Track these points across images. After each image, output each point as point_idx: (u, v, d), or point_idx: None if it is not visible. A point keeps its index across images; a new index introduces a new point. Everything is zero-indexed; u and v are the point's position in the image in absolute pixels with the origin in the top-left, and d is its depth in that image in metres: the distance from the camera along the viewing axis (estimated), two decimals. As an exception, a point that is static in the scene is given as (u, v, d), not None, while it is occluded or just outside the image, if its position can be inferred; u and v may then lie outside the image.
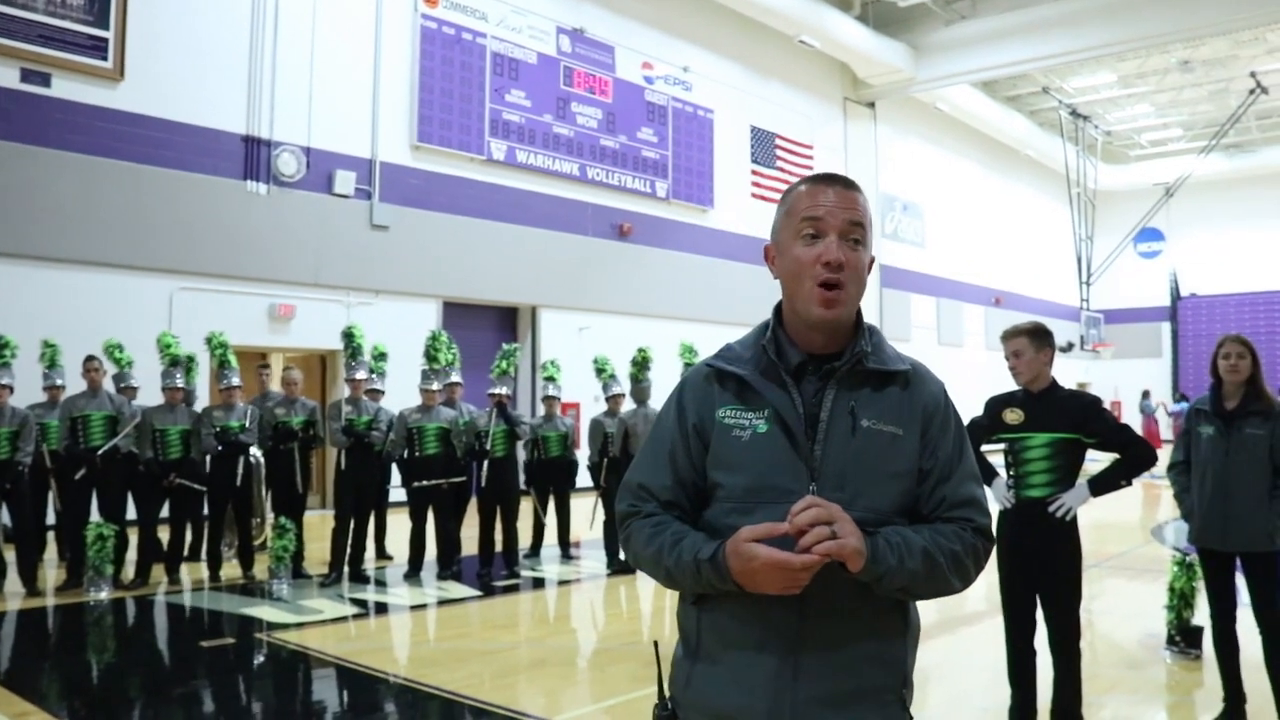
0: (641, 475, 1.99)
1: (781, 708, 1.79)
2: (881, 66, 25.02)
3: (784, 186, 22.77)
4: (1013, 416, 4.68)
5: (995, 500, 4.85)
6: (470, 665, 6.61)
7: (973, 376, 22.18)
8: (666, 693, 1.97)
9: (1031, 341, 4.62)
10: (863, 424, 1.83)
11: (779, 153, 23.61)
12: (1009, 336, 4.73)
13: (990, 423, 4.80)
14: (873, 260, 1.94)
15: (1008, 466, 4.76)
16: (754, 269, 21.66)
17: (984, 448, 4.82)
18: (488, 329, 17.50)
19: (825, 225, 1.85)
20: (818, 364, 1.89)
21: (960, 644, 7.43)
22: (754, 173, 22.87)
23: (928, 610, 8.54)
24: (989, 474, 4.99)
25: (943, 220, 29.81)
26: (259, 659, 6.90)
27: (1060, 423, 4.56)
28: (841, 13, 23.49)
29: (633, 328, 17.63)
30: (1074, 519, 4.58)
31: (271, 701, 6.03)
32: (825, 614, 1.80)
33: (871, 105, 26.67)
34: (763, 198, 22.82)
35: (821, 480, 1.81)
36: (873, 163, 26.58)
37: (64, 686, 6.33)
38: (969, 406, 5.13)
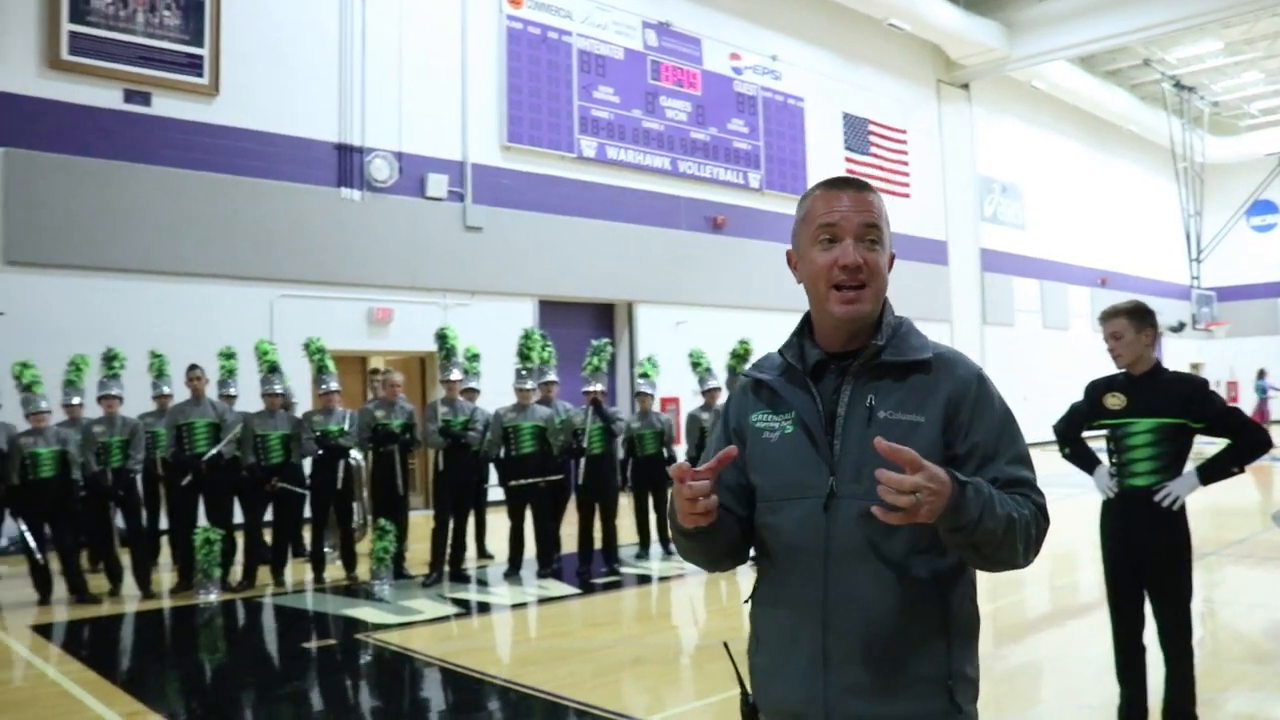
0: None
1: (815, 696, 1.86)
2: (974, 46, 24.50)
3: (880, 173, 22.58)
4: (1114, 401, 4.47)
5: (1098, 490, 4.65)
6: (570, 664, 6.58)
7: (1079, 360, 21.66)
8: (748, 689, 2.05)
9: (1131, 322, 4.41)
10: (880, 415, 1.87)
11: (873, 139, 23.26)
12: (1107, 317, 4.52)
13: (1090, 408, 4.60)
14: (893, 257, 1.98)
15: (1110, 454, 4.56)
16: (850, 257, 21.39)
17: (1085, 434, 4.61)
18: (584, 326, 17.48)
19: (841, 230, 1.91)
20: (838, 362, 1.96)
21: (1069, 637, 7.20)
22: (848, 160, 22.54)
23: (1037, 602, 8.36)
24: (1090, 462, 4.78)
25: (1043, 201, 29.04)
26: (363, 660, 6.95)
27: (1165, 407, 4.33)
28: (933, -8, 23.06)
29: (730, 320, 17.47)
30: (1182, 508, 4.35)
31: (374, 702, 6.08)
32: (850, 602, 1.84)
33: (966, 86, 26.13)
34: (857, 184, 22.50)
35: (840, 473, 1.88)
36: (969, 145, 26.08)
37: (173, 686, 6.45)
38: (1076, 391, 4.94)
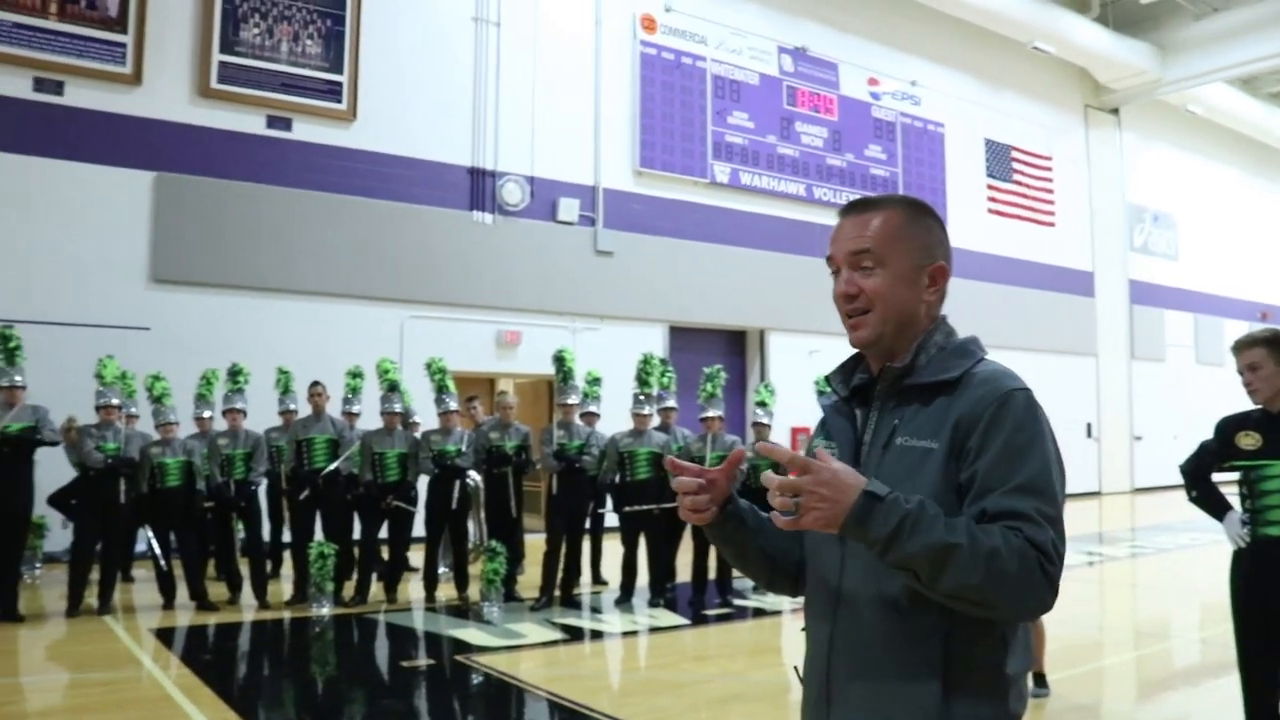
0: None
1: None
2: (1124, 69, 23.59)
3: (1024, 201, 22.02)
4: (1248, 441, 4.09)
5: (1227, 539, 4.30)
6: (662, 697, 6.44)
7: (1237, 397, 20.64)
8: None
9: (1271, 353, 4.02)
10: (897, 442, 1.80)
11: (1016, 165, 22.64)
12: (1242, 347, 4.11)
13: (1221, 448, 4.23)
14: (939, 270, 1.89)
15: (1243, 499, 4.18)
16: (993, 287, 20.90)
17: (1216, 477, 4.27)
18: (715, 353, 17.34)
19: (837, 260, 1.92)
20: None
21: (1200, 699, 6.74)
22: (990, 187, 22.00)
23: (1185, 653, 7.90)
24: (1219, 507, 4.41)
25: (1198, 230, 27.63)
26: (451, 681, 6.94)
27: None
28: (1078, 15, 22.34)
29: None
30: None
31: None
32: (852, 644, 1.80)
33: (1115, 111, 25.19)
34: (1000, 213, 21.96)
35: None
36: (1118, 172, 25.13)
37: (267, 697, 6.55)
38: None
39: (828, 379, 2.02)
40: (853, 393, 1.95)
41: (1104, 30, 22.79)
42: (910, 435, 1.77)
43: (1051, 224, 23.11)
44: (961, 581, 1.57)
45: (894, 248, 1.86)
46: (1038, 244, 22.72)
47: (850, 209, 1.93)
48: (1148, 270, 25.82)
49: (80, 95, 12.38)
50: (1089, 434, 23.46)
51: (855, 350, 1.96)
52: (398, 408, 9.71)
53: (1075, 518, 17.63)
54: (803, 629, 1.99)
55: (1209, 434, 4.44)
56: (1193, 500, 4.64)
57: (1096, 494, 23.18)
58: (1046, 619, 6.15)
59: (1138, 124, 25.82)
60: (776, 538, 1.98)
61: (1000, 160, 22.32)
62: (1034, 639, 6.01)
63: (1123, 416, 24.45)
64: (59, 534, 10.57)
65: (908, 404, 1.81)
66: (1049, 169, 23.29)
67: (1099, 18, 23.00)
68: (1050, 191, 23.26)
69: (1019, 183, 22.60)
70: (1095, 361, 23.86)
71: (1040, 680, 6.10)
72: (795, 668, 2.02)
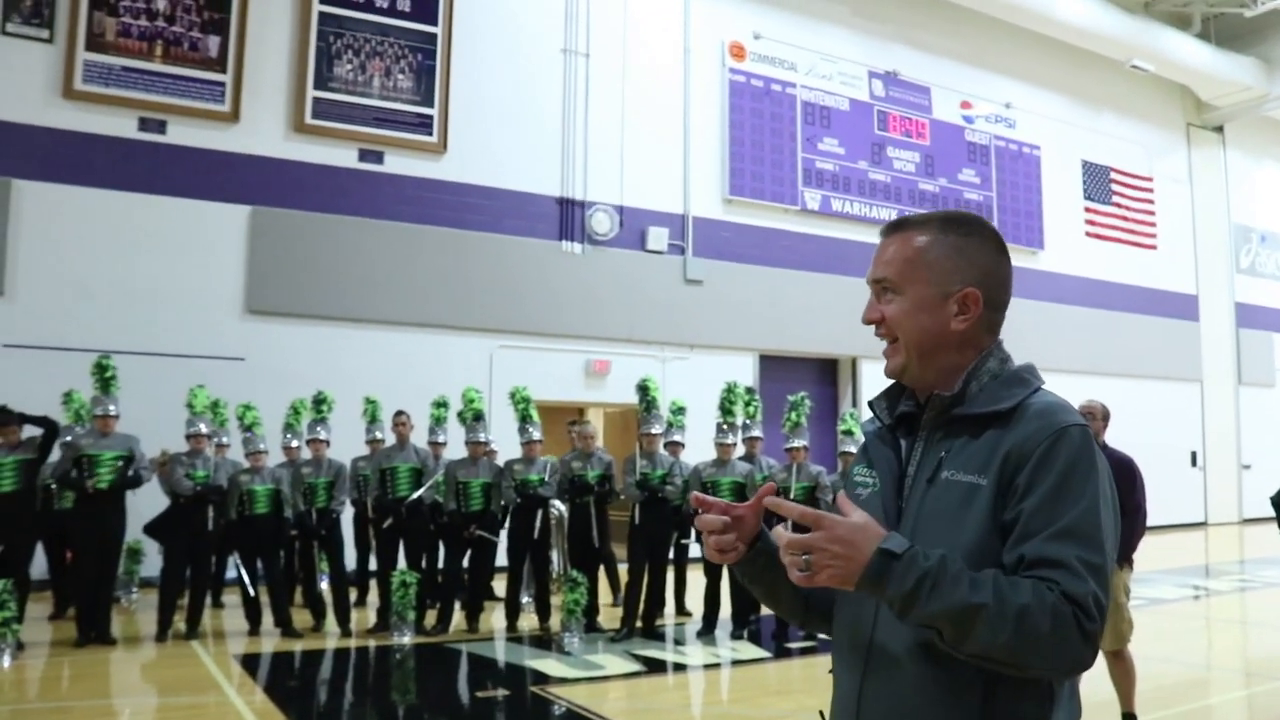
0: None
1: None
2: (1228, 85, 22.83)
3: (1124, 224, 21.46)
4: None
5: None
6: (737, 731, 6.32)
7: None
8: None
9: None
10: (943, 475, 1.69)
11: (1115, 187, 22.10)
12: None
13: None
14: (967, 295, 1.75)
15: None
16: (1092, 313, 20.43)
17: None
18: (807, 382, 17.15)
19: (870, 287, 1.86)
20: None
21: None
22: (1088, 210, 21.49)
23: (1277, 699, 7.56)
24: None
25: (1310, 250, 26.80)
26: (528, 713, 6.92)
27: None
28: (1178, 31, 21.74)
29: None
30: None
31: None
32: (885, 695, 1.69)
33: (1219, 129, 24.40)
34: (1099, 236, 21.45)
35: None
36: (1223, 191, 24.33)
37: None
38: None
39: (872, 404, 1.91)
40: (898, 421, 1.85)
41: (1206, 46, 22.16)
42: (957, 469, 1.67)
43: (1153, 246, 22.51)
44: (989, 643, 1.48)
45: (911, 274, 1.77)
46: (1139, 267, 22.13)
47: (884, 231, 1.87)
48: (1255, 292, 24.93)
49: (181, 133, 12.78)
50: (1194, 463, 22.71)
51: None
52: (483, 437, 9.75)
53: (1179, 549, 17.07)
54: (830, 671, 1.89)
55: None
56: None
57: (1202, 524, 22.38)
58: (1139, 655, 5.97)
59: (1243, 141, 24.99)
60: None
61: (1099, 182, 21.82)
62: (1122, 676, 5.85)
63: (1230, 444, 23.62)
64: (155, 559, 10.84)
65: (956, 435, 1.71)
66: (1150, 190, 22.69)
67: (1200, 33, 22.40)
68: (1151, 213, 22.65)
69: (1118, 204, 22.06)
70: (1200, 387, 23.12)
71: (1130, 720, 5.90)
72: (821, 713, 1.95)
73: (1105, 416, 5.97)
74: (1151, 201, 22.65)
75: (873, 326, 1.83)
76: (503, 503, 9.75)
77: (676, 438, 10.33)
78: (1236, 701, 7.46)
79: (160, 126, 12.65)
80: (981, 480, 1.62)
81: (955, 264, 1.75)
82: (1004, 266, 1.80)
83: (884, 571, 1.50)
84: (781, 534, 1.57)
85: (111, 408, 8.83)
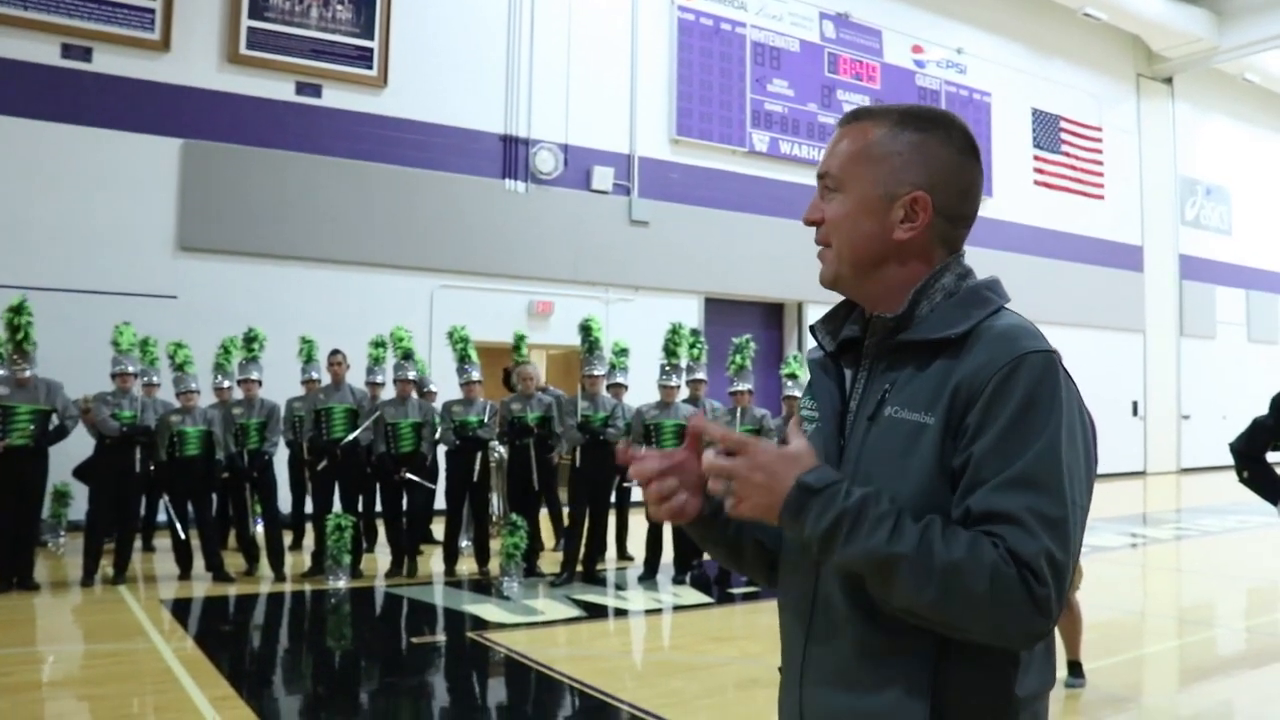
0: None
1: (794, 715, 1.57)
2: (1179, 36, 22.84)
3: (1072, 173, 21.44)
4: None
5: None
6: (675, 680, 6.21)
7: (1290, 374, 20.08)
8: None
9: None
10: (886, 412, 1.47)
11: (1064, 136, 22.07)
12: None
13: (1278, 424, 3.94)
14: (915, 197, 1.49)
15: None
16: (1039, 261, 20.47)
17: (1272, 457, 3.98)
18: (752, 325, 17.01)
19: (817, 184, 1.60)
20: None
21: (1245, 690, 6.45)
22: (1037, 159, 21.46)
23: (1229, 641, 7.58)
24: (1274, 488, 4.12)
25: (1253, 204, 26.77)
26: (464, 658, 6.78)
27: None
28: (1132, -20, 21.72)
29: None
30: None
31: (458, 704, 5.89)
32: (827, 653, 1.50)
33: (1169, 81, 24.43)
34: (1047, 185, 21.44)
35: None
36: (1170, 143, 24.41)
37: (268, 673, 6.45)
38: None
39: (814, 328, 1.66)
40: (843, 347, 1.62)
41: (1159, -5, 22.14)
42: (901, 405, 1.45)
43: (1100, 197, 22.56)
44: (913, 600, 1.30)
45: (856, 170, 1.52)
46: (1086, 217, 22.18)
47: (841, 120, 1.60)
48: (1199, 245, 25.13)
49: (108, 62, 12.27)
50: (1135, 412, 22.96)
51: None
52: (411, 375, 9.55)
53: (1119, 498, 17.28)
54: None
55: (1261, 411, 4.15)
56: (1244, 481, 4.35)
57: (1141, 474, 22.69)
58: (1084, 603, 5.89)
59: (1192, 93, 25.06)
60: (773, 529, 1.58)
61: (1048, 130, 21.78)
62: (1069, 625, 5.76)
63: (1170, 395, 23.90)
64: (83, 503, 10.50)
65: (902, 365, 1.49)
66: (1099, 140, 22.70)
67: (1154, -17, 22.36)
68: (1100, 163, 22.68)
69: (1067, 154, 22.05)
70: (1143, 338, 23.32)
71: (1076, 669, 5.82)
72: (780, 669, 1.69)
73: (1056, 359, 5.84)
74: (1100, 151, 22.68)
75: (818, 239, 1.59)
76: (436, 442, 9.51)
77: (619, 379, 10.14)
78: (1171, 650, 7.48)
79: (85, 54, 12.13)
80: (928, 418, 1.41)
81: (906, 162, 1.50)
82: (967, 172, 1.54)
83: (802, 506, 1.35)
84: (708, 458, 1.41)
85: (27, 370, 8.36)
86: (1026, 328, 1.43)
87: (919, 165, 1.50)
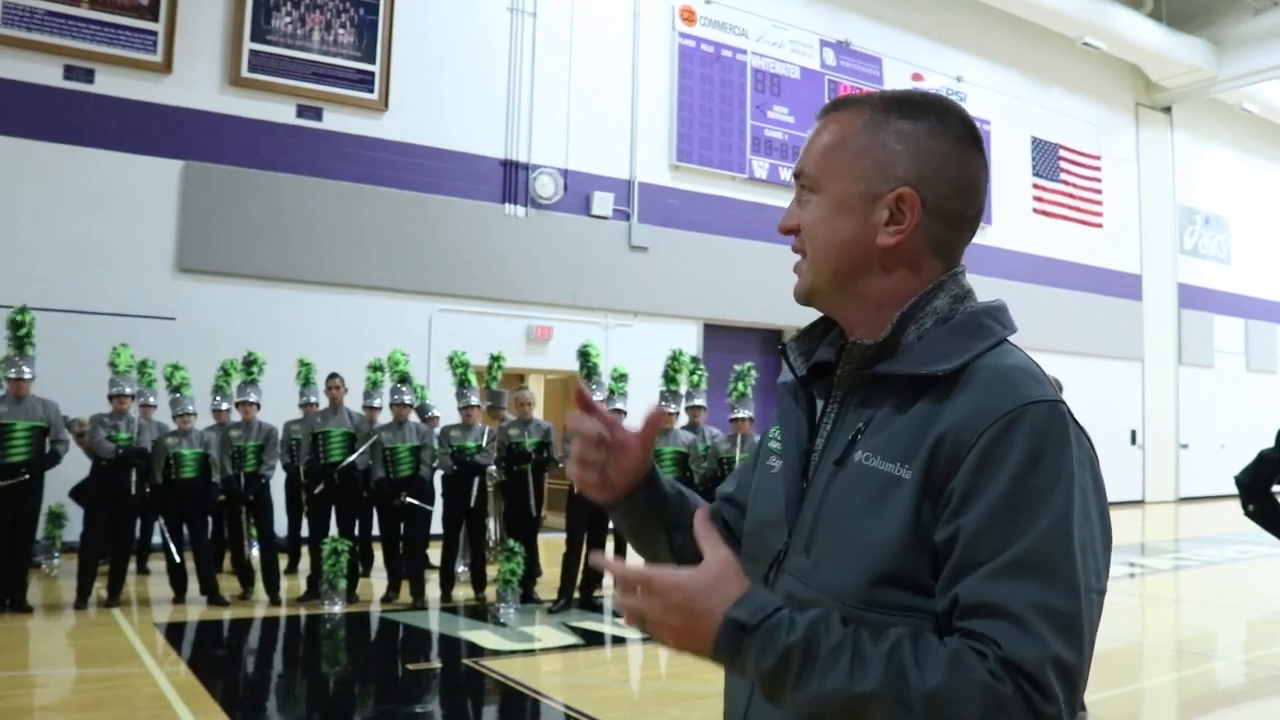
0: (724, 483, 1.66)
1: None
2: (1178, 66, 22.93)
3: (1071, 201, 21.46)
4: None
5: None
6: (673, 709, 6.17)
7: (1288, 404, 20.10)
8: None
9: None
10: (856, 456, 1.24)
11: (1063, 165, 22.13)
12: None
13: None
14: (901, 194, 1.26)
15: None
16: (1038, 290, 20.45)
17: (1277, 489, 3.95)
18: (751, 352, 16.99)
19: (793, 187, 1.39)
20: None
21: (1267, 716, 6.40)
22: (1036, 186, 21.50)
23: (1229, 675, 7.54)
24: (1279, 524, 4.07)
25: (1252, 234, 26.78)
26: (459, 686, 6.72)
27: None
28: (1130, 10, 21.73)
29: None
30: None
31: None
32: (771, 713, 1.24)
33: (1167, 110, 24.52)
34: (1046, 213, 21.47)
35: (796, 537, 1.29)
36: (1169, 172, 24.47)
37: (262, 700, 6.39)
38: None
39: (784, 347, 1.43)
40: (815, 371, 1.39)
41: (1157, 26, 22.22)
42: (874, 451, 1.22)
43: (1099, 225, 22.59)
44: None
45: (834, 165, 1.30)
46: (1084, 245, 22.19)
47: (820, 112, 1.39)
48: (1198, 274, 25.16)
49: (110, 83, 12.30)
50: (1133, 441, 22.92)
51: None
52: (408, 399, 9.50)
53: (1116, 527, 17.05)
54: None
55: (1261, 443, 4.12)
56: (1249, 515, 4.30)
57: (1140, 503, 22.64)
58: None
59: (1191, 123, 25.15)
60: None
61: (1047, 159, 21.83)
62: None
63: (1169, 424, 23.86)
64: (78, 523, 10.45)
65: (879, 401, 1.26)
66: (1098, 168, 22.75)
67: (1152, 13, 22.43)
68: (1098, 192, 22.72)
69: (1066, 182, 22.09)
70: (1141, 367, 23.30)
71: (1074, 701, 5.77)
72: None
73: (1058, 389, 5.81)
74: (1099, 180, 22.72)
75: (794, 248, 1.38)
76: (435, 467, 9.47)
77: (619, 405, 10.09)
78: (1169, 684, 7.42)
79: (88, 75, 12.15)
80: (903, 471, 1.17)
81: (891, 154, 1.28)
82: (966, 164, 1.30)
83: (737, 647, 1.12)
84: (616, 594, 1.21)
85: (26, 370, 8.39)
86: (1031, 370, 1.22)
87: (906, 157, 1.28)
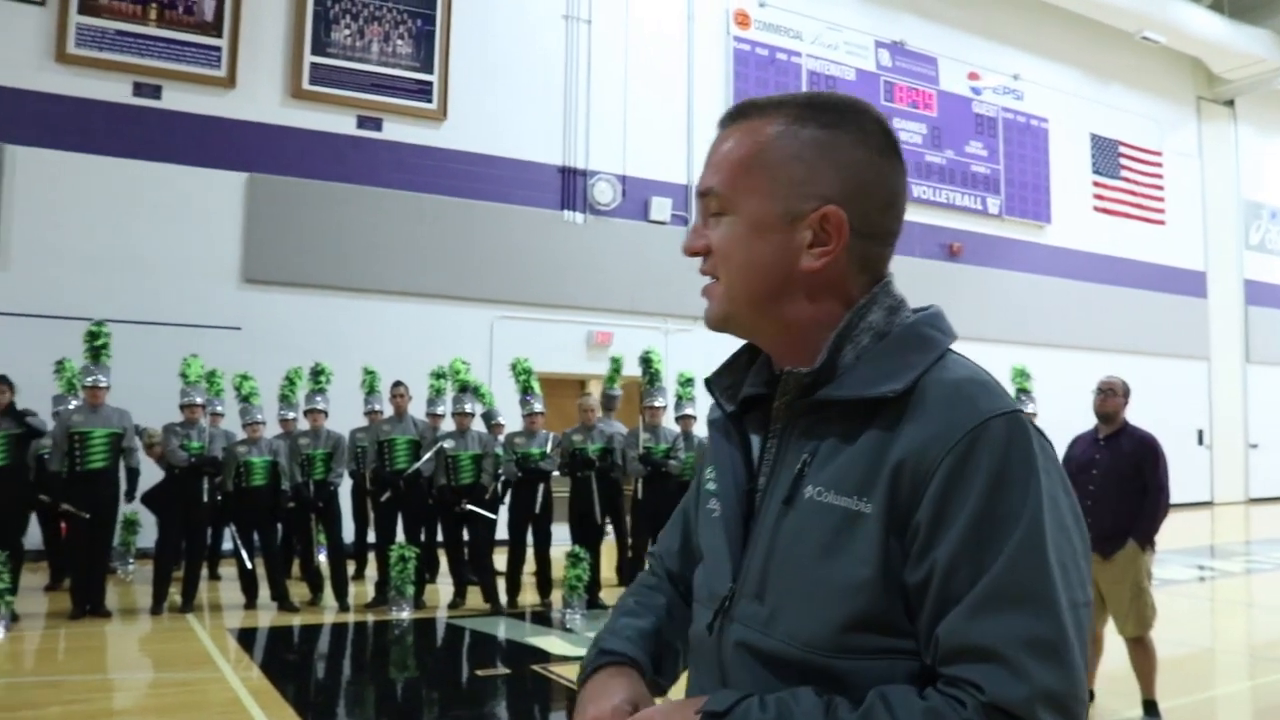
0: (662, 534, 1.54)
1: None
2: (1241, 58, 22.46)
3: (1132, 199, 21.16)
4: None
5: None
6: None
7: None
8: None
9: None
10: (805, 493, 1.15)
11: (1124, 161, 21.84)
12: None
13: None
14: (823, 213, 1.17)
15: None
16: (1098, 288, 20.21)
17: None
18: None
19: (698, 205, 1.30)
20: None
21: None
22: (1096, 184, 21.23)
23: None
24: None
25: (1323, 227, 26.47)
26: (526, 691, 6.78)
27: None
28: (1191, 2, 21.38)
29: (965, 353, 16.63)
30: None
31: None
32: None
33: (1230, 103, 24.06)
34: (1106, 210, 21.21)
35: (743, 583, 1.21)
36: (1233, 166, 24.02)
37: (333, 704, 6.48)
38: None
39: (709, 381, 1.33)
40: (746, 405, 1.30)
41: (1219, 17, 21.82)
42: (826, 485, 1.13)
43: (1161, 222, 22.26)
44: None
45: (746, 182, 1.20)
46: (1147, 243, 21.87)
47: (721, 120, 1.29)
48: (1265, 269, 24.65)
49: (177, 99, 12.56)
50: (1200, 441, 22.53)
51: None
52: (469, 408, 9.56)
53: (1185, 529, 16.89)
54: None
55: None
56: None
57: (1209, 504, 22.25)
58: (1159, 638, 5.77)
59: (1255, 116, 24.65)
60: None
61: (1107, 156, 21.56)
62: (1142, 663, 5.66)
63: (1237, 423, 23.42)
64: (151, 530, 10.67)
65: (823, 429, 1.17)
66: (1159, 164, 22.42)
67: (1213, 4, 22.04)
68: (1160, 188, 22.40)
69: (1127, 179, 21.80)
70: (1207, 365, 22.92)
71: (1152, 709, 5.70)
72: None
73: (1126, 393, 5.77)
74: (1160, 176, 22.39)
75: (703, 270, 1.28)
76: (501, 475, 9.55)
77: (688, 411, 10.09)
78: (1243, 692, 7.29)
79: (155, 91, 12.42)
80: (863, 505, 1.09)
81: (811, 169, 1.18)
82: (889, 176, 1.22)
83: None
84: None
85: (102, 379, 8.62)
86: (982, 380, 1.14)
87: (828, 172, 1.18)
